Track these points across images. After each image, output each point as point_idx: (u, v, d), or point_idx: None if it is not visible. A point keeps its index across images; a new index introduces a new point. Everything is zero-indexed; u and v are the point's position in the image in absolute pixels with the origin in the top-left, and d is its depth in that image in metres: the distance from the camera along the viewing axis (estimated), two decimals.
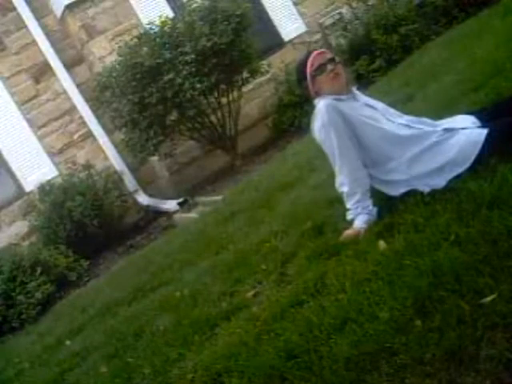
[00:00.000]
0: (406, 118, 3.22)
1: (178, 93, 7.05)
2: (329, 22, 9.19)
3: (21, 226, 8.16)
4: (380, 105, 3.29)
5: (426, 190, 2.93)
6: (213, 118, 7.72)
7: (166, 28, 7.30)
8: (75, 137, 8.63)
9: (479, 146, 2.88)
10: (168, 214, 7.80)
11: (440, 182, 2.92)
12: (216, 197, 6.70)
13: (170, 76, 6.96)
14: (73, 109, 8.58)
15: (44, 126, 8.51)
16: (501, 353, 1.75)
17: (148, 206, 8.50)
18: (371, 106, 3.23)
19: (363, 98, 3.31)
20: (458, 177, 2.89)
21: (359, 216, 3.06)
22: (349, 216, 3.11)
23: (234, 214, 4.96)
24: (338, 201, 3.36)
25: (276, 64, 8.65)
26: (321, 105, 3.13)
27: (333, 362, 2.12)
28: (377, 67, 7.51)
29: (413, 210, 2.83)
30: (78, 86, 8.63)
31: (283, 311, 2.70)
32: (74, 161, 8.47)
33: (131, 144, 7.72)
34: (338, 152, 3.09)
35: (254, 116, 8.62)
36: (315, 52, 3.29)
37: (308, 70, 3.23)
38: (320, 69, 3.22)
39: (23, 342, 5.43)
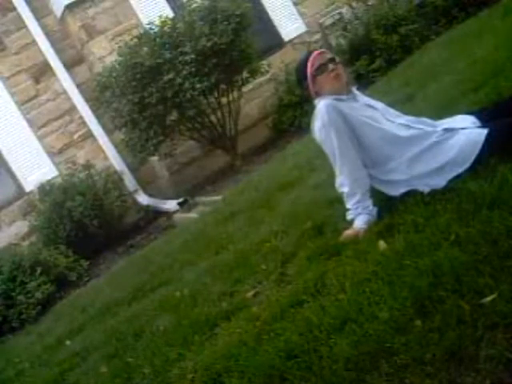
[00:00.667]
0: (405, 118, 3.22)
1: (178, 93, 7.05)
2: (329, 21, 9.19)
3: (21, 226, 8.16)
4: (380, 105, 3.29)
5: (426, 190, 2.93)
6: (213, 118, 7.72)
7: (165, 28, 7.30)
8: (75, 137, 8.63)
9: (479, 146, 2.88)
10: (168, 214, 7.80)
11: (440, 182, 2.92)
12: (216, 197, 6.70)
13: (170, 76, 6.96)
14: (73, 109, 8.59)
15: (44, 125, 8.51)
16: (501, 353, 1.75)
17: (148, 206, 8.50)
18: (371, 107, 3.23)
19: (363, 98, 3.31)
20: (458, 177, 2.89)
21: (359, 216, 3.06)
22: (349, 216, 3.11)
23: (234, 214, 4.96)
24: (338, 201, 3.36)
25: (276, 64, 8.65)
26: (321, 105, 3.13)
27: (333, 362, 2.12)
28: (377, 67, 7.51)
29: (413, 209, 2.83)
30: (78, 86, 8.63)
31: (283, 311, 2.70)
32: (74, 161, 8.47)
33: (131, 144, 7.72)
34: (338, 152, 3.09)
35: (254, 116, 8.62)
36: (315, 52, 3.29)
37: (308, 70, 3.23)
38: (320, 69, 3.21)
39: (23, 341, 5.43)
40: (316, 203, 3.84)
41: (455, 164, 2.93)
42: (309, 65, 3.23)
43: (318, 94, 3.24)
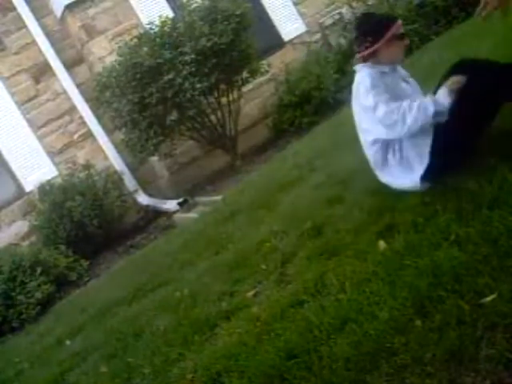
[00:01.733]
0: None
1: (178, 93, 7.05)
2: (329, 22, 9.20)
3: (21, 226, 8.15)
4: (412, 81, 3.45)
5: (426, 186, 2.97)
6: (213, 117, 7.72)
7: (165, 28, 7.29)
8: (75, 137, 8.63)
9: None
10: (168, 214, 7.80)
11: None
12: (216, 197, 6.70)
13: (170, 76, 6.96)
14: (73, 109, 8.58)
15: (44, 125, 8.50)
16: (501, 353, 1.75)
17: (148, 206, 8.50)
18: (406, 81, 3.37)
19: (401, 71, 3.43)
20: (453, 168, 2.90)
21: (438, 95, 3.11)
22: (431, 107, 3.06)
23: (234, 214, 4.96)
24: (338, 201, 3.37)
25: (276, 64, 8.65)
26: (365, 72, 3.20)
27: (333, 362, 2.12)
28: None
29: (413, 210, 2.83)
30: (78, 86, 8.63)
31: (283, 311, 2.70)
32: (74, 161, 8.47)
33: (131, 144, 7.72)
34: (374, 101, 3.09)
35: (254, 116, 8.61)
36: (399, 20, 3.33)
37: (393, 30, 3.23)
38: (402, 36, 3.30)
39: (23, 341, 5.44)
40: (316, 203, 3.84)
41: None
42: (396, 25, 3.25)
43: (373, 56, 3.24)
